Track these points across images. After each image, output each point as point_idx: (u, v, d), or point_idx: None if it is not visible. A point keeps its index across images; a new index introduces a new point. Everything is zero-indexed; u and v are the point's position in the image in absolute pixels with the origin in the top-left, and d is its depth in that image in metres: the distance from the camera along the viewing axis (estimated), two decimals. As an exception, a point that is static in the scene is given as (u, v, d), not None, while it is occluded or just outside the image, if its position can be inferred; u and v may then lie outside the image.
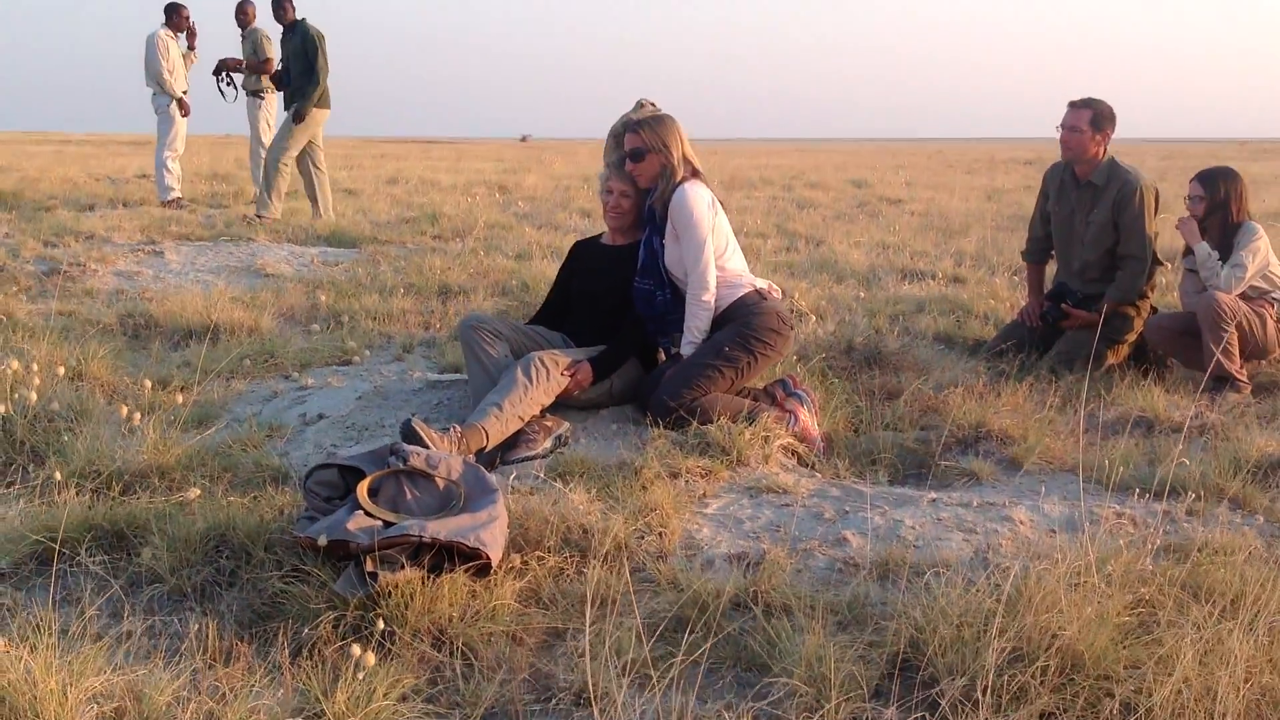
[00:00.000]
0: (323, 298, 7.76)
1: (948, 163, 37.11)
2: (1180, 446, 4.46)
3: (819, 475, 4.76)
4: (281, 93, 12.52)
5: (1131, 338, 6.43)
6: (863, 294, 8.28)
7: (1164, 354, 6.35)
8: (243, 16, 13.48)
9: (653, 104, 5.73)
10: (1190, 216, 6.18)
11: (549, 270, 8.65)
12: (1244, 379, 5.93)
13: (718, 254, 5.17)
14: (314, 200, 12.54)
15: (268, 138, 13.17)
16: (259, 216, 11.85)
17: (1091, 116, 6.32)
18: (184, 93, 13.44)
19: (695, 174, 5.24)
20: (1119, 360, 6.35)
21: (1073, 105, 6.44)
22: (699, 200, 5.12)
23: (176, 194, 13.53)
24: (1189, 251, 6.25)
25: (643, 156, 5.18)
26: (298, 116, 11.91)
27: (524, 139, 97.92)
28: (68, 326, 6.91)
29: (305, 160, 12.35)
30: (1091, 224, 6.45)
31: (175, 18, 13.40)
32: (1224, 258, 6.04)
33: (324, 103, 12.14)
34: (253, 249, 10.03)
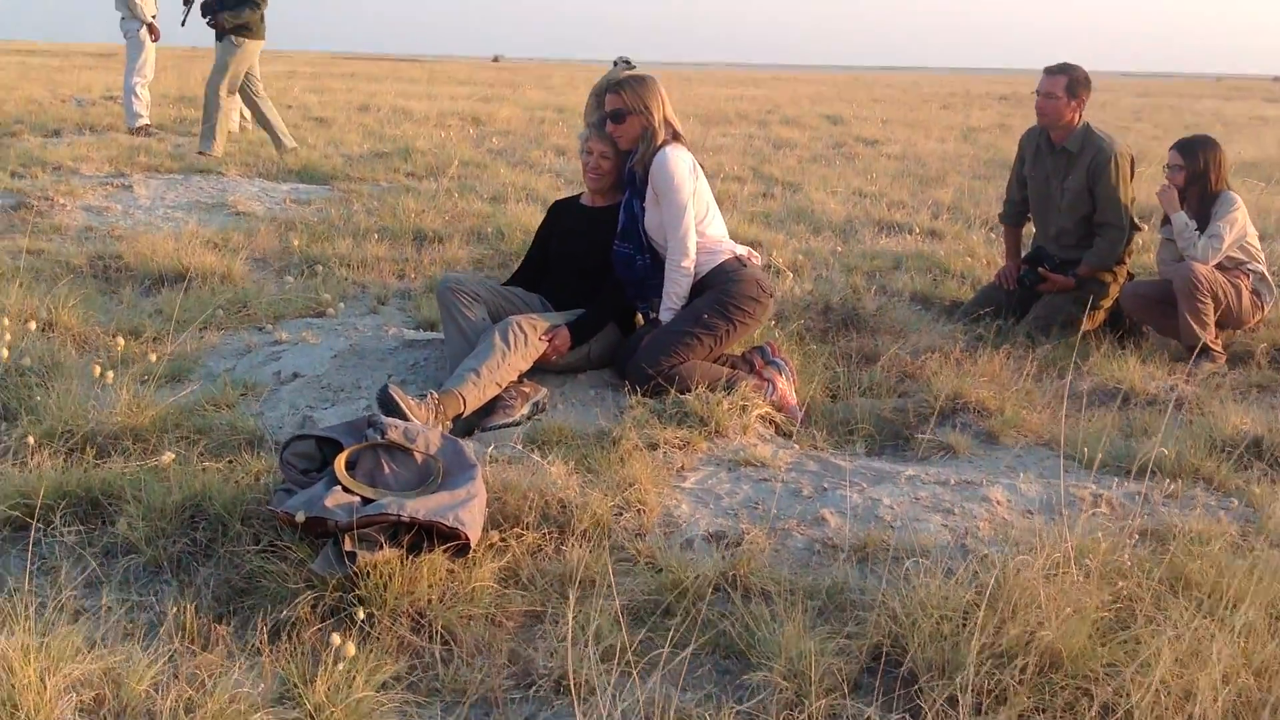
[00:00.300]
0: (295, 241, 7.65)
1: (923, 96, 36.89)
2: (1159, 433, 4.47)
3: (796, 446, 4.76)
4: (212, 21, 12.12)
5: (1108, 303, 6.44)
6: (839, 248, 8.25)
7: (1139, 321, 6.36)
8: None
9: (627, 61, 5.66)
10: (1170, 185, 6.16)
11: (524, 215, 8.58)
12: (1219, 349, 5.95)
13: (698, 219, 5.13)
14: (268, 129, 12.31)
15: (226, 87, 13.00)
16: (200, 153, 11.60)
17: (1067, 83, 6.33)
18: (153, 17, 13.19)
19: (676, 137, 5.19)
20: (1095, 326, 6.36)
21: (1048, 72, 6.43)
22: (680, 164, 5.07)
23: (145, 121, 13.30)
24: (1167, 220, 6.25)
25: (624, 118, 5.12)
26: (218, 27, 11.66)
27: (496, 59, 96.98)
28: (37, 267, 6.80)
29: (245, 93, 12.08)
30: (1067, 190, 6.45)
31: None
32: (1201, 227, 6.05)
33: (258, 34, 11.84)
34: (223, 184, 9.90)
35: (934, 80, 61.12)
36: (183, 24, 13.05)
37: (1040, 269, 6.47)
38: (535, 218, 8.28)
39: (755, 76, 59.92)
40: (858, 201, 10.57)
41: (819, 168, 13.33)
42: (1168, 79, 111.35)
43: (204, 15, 12.29)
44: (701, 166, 5.32)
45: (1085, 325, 6.26)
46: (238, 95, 12.08)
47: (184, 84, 22.55)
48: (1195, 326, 5.84)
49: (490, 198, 9.68)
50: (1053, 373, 5.69)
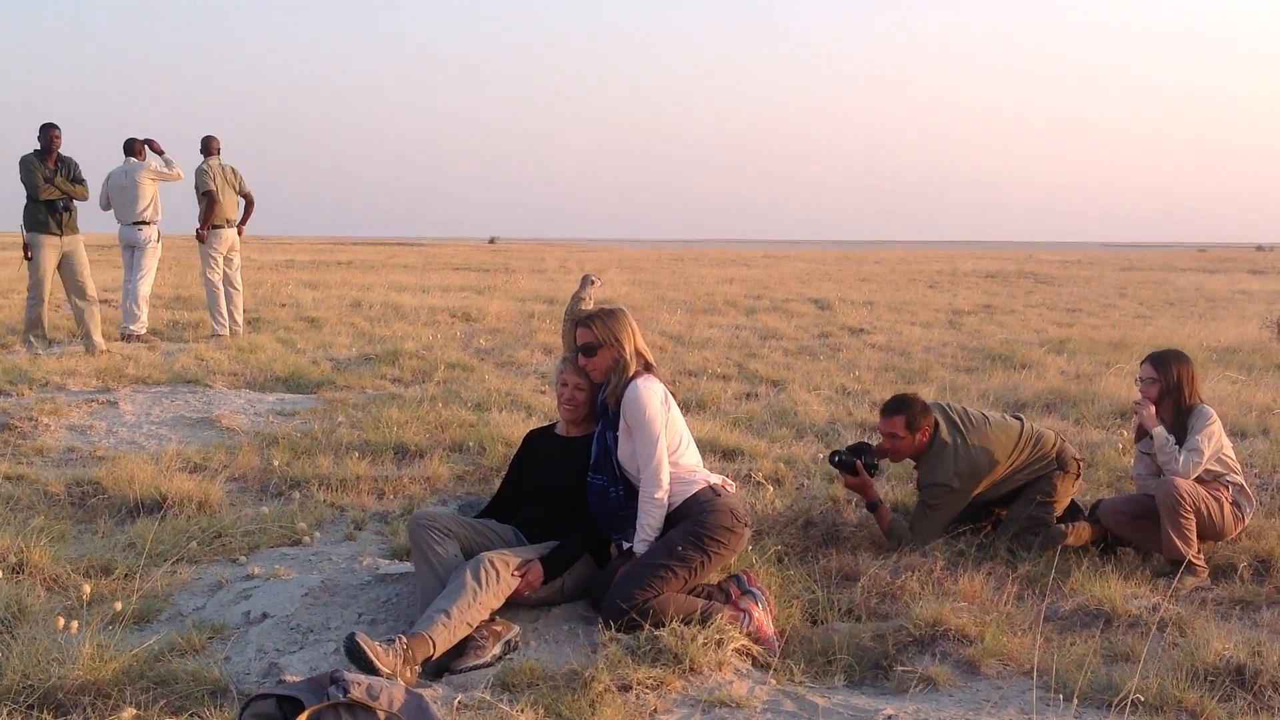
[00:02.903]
0: (276, 461, 7.64)
1: (911, 275, 37.43)
2: (1141, 660, 4.39)
3: (773, 680, 4.67)
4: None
5: (1063, 502, 6.39)
6: (821, 454, 8.23)
7: (1120, 536, 6.31)
8: (205, 148, 13.84)
9: (597, 278, 5.75)
10: (1145, 400, 6.19)
11: (506, 425, 8.60)
12: (1201, 563, 5.90)
13: (671, 450, 5.14)
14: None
15: (214, 272, 14.12)
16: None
17: (905, 421, 6.31)
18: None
19: (648, 368, 5.23)
20: (1080, 543, 6.29)
21: (884, 413, 6.42)
22: (652, 396, 5.10)
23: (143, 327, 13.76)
24: (1142, 435, 6.27)
25: (595, 351, 5.18)
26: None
27: (493, 241, 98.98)
28: (15, 496, 6.77)
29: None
30: None
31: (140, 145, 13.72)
32: (1177, 441, 6.06)
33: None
34: (209, 397, 9.93)
35: (922, 256, 62.05)
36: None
37: (858, 461, 6.38)
38: (517, 428, 8.30)
39: (746, 255, 60.90)
40: (841, 400, 10.59)
41: (804, 362, 13.42)
42: (1151, 249, 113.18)
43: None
44: (673, 394, 5.35)
45: (1070, 539, 6.22)
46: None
47: (182, 278, 22.95)
48: (1179, 542, 5.81)
49: (475, 405, 9.71)
50: (1034, 592, 5.63)
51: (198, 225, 13.94)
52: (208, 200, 13.77)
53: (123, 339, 13.35)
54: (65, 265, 12.28)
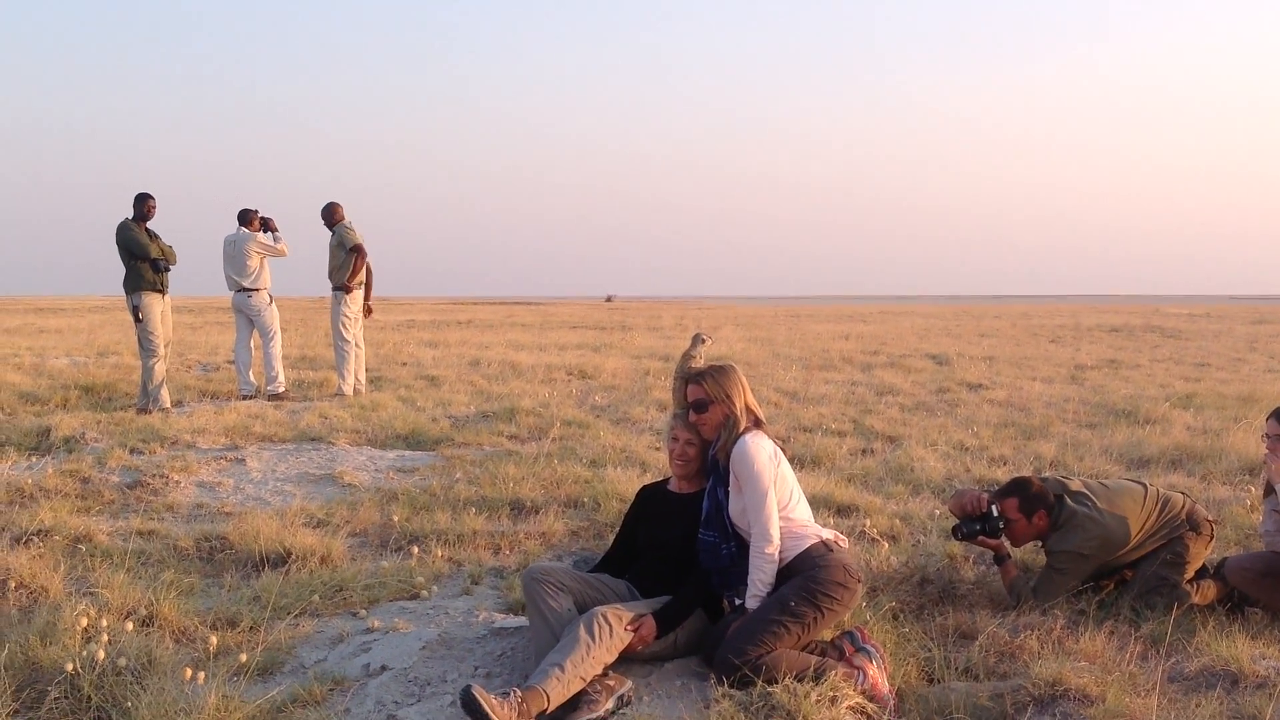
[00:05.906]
0: (395, 516, 7.80)
1: (1031, 329, 36.90)
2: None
3: (888, 740, 4.62)
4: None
5: (1195, 564, 6.22)
6: (938, 510, 8.15)
7: (1246, 595, 6.12)
8: (331, 215, 14.16)
9: (707, 336, 5.78)
10: (1274, 456, 6.02)
11: (621, 482, 8.66)
12: (1334, 622, 5.71)
13: (781, 505, 5.15)
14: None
15: (348, 332, 14.13)
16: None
17: (1017, 503, 6.20)
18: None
19: (758, 424, 5.27)
20: (1206, 602, 6.12)
21: (999, 494, 6.32)
22: (761, 451, 5.13)
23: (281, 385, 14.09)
24: (1269, 491, 6.09)
25: (706, 407, 5.23)
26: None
27: (609, 299, 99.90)
28: (146, 550, 7.01)
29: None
30: None
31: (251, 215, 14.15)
32: (1306, 495, 5.89)
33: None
34: (332, 454, 10.18)
35: (1044, 311, 61.09)
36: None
37: (978, 530, 6.23)
38: (632, 484, 8.36)
39: (863, 311, 60.64)
40: (958, 457, 10.48)
41: (921, 418, 13.30)
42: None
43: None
44: (784, 450, 5.36)
45: (1194, 599, 6.05)
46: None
47: (308, 337, 23.58)
48: (1306, 600, 5.63)
49: (590, 461, 9.81)
50: (1158, 652, 5.49)
51: (346, 279, 14.25)
52: (358, 254, 14.19)
53: (269, 399, 13.80)
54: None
